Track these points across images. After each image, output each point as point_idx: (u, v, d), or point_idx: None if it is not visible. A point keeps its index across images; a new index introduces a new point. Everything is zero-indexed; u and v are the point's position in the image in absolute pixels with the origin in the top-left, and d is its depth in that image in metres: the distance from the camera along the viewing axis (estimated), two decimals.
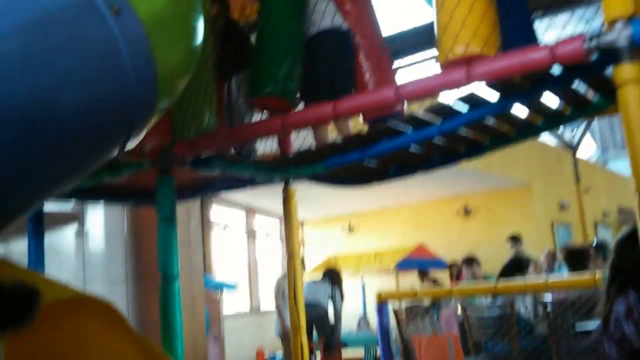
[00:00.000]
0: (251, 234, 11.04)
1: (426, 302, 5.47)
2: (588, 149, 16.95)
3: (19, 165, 1.71)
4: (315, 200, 11.16)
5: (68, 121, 1.75)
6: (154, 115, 2.00)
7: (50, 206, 4.04)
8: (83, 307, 2.86)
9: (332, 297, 7.43)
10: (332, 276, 7.81)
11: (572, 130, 12.46)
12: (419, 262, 9.62)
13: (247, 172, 3.33)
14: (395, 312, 5.26)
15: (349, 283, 11.42)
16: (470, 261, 6.67)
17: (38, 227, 3.65)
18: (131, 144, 2.00)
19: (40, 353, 2.91)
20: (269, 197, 8.34)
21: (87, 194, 3.69)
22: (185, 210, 4.57)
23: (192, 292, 4.55)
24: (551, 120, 3.02)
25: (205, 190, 3.85)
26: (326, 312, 7.40)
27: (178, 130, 3.01)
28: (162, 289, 3.06)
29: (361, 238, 12.07)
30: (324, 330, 7.20)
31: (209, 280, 6.89)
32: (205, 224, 9.09)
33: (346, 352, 7.96)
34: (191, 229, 4.66)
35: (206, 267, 8.95)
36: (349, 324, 9.55)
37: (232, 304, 10.54)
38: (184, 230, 4.59)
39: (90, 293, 2.75)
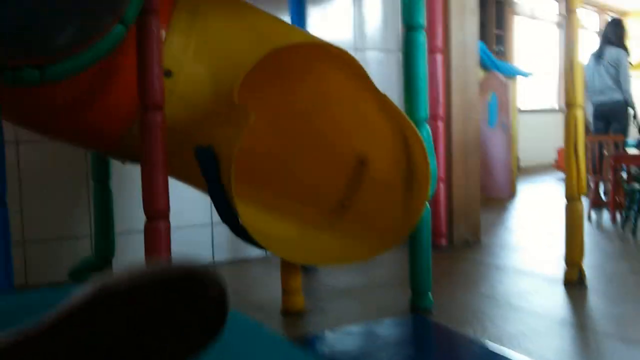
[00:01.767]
0: (564, 24, 9.76)
1: None
2: None
3: None
4: None
5: None
6: None
7: None
8: (328, 59, 2.65)
9: (616, 65, 5.53)
10: (614, 32, 5.70)
11: None
12: None
13: None
14: None
15: None
16: None
17: None
18: None
19: (293, 107, 2.84)
20: None
21: None
22: None
23: (464, 65, 4.07)
24: None
25: None
26: (618, 102, 5.57)
27: None
28: (405, 40, 2.70)
29: None
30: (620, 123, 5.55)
31: (500, 64, 6.29)
32: (507, 8, 8.26)
33: None
34: None
35: (506, 54, 8.27)
36: None
37: (537, 98, 9.78)
38: None
39: (333, 44, 2.52)
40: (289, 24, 2.69)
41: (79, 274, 2.76)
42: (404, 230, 2.64)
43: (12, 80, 1.80)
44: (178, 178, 2.54)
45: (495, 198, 5.84)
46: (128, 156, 2.45)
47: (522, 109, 8.30)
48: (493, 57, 6.22)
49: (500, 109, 5.94)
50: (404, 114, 2.57)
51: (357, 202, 2.78)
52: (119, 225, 2.86)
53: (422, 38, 2.66)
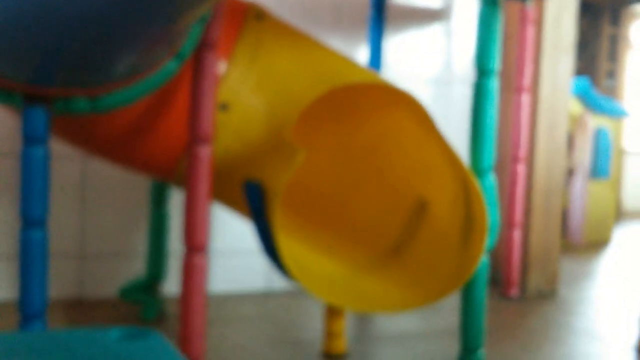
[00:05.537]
0: None
1: None
2: None
3: None
4: None
5: None
6: None
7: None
8: (397, 102, 2.59)
9: None
10: None
11: None
12: None
13: None
14: None
15: None
16: None
17: (378, 19, 3.40)
18: None
19: (353, 145, 2.80)
20: None
21: None
22: (557, 7, 3.79)
23: (553, 109, 3.87)
24: None
25: None
26: None
27: None
28: (476, 86, 2.58)
29: None
30: None
31: (602, 104, 5.92)
32: (621, 41, 7.81)
33: None
34: (562, 30, 3.86)
35: (615, 92, 7.82)
36: None
37: None
38: (553, 30, 3.85)
39: (395, 85, 2.45)
40: (353, 63, 2.63)
41: (129, 294, 2.83)
42: (458, 281, 2.52)
43: (63, 109, 1.86)
44: (228, 207, 2.55)
45: (586, 244, 5.51)
46: (182, 185, 2.49)
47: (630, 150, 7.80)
48: (596, 95, 5.87)
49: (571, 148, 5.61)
50: (463, 162, 2.45)
51: (412, 247, 2.69)
52: (175, 246, 2.90)
53: (493, 84, 2.53)
